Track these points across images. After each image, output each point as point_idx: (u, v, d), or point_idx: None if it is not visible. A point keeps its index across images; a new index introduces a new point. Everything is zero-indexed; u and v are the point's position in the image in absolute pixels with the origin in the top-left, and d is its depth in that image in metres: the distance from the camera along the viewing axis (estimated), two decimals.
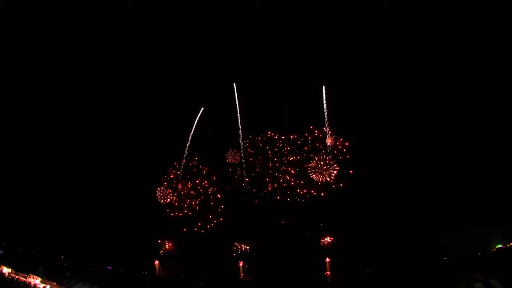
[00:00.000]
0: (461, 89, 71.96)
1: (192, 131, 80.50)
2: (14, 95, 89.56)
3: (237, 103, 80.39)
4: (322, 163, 73.40)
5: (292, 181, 78.65)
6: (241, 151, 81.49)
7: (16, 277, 71.54)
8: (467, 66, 71.20)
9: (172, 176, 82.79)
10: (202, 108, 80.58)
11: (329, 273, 64.91)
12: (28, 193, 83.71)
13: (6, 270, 72.92)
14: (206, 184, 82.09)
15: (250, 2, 79.99)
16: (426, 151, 72.11)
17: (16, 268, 73.04)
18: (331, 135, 78.30)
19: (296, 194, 77.10)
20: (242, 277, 68.54)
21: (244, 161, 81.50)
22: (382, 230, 65.80)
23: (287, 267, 65.81)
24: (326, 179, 73.45)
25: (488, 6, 68.43)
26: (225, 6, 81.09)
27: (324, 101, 76.21)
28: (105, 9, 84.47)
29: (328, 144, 77.89)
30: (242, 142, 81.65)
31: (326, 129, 78.21)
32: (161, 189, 79.38)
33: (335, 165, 73.43)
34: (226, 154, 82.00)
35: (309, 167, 74.64)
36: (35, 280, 69.60)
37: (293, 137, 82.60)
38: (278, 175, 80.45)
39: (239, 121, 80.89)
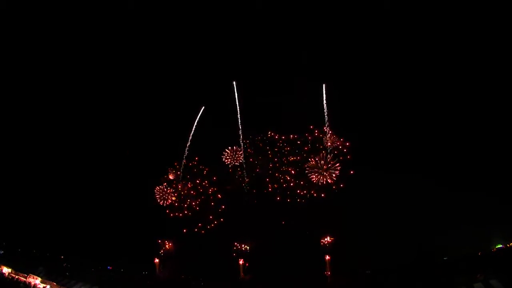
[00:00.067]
0: (461, 89, 72.18)
1: (192, 131, 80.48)
2: (14, 95, 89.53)
3: (237, 103, 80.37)
4: (322, 162, 73.27)
5: (292, 182, 78.59)
6: (241, 151, 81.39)
7: (16, 277, 71.39)
8: (467, 67, 71.44)
9: (171, 176, 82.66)
10: (203, 107, 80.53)
11: (329, 273, 64.95)
12: (28, 193, 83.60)
13: (6, 270, 72.73)
14: (206, 184, 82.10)
15: (250, 2, 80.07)
16: (426, 151, 72.29)
17: (16, 268, 72.81)
18: (331, 135, 78.30)
19: (296, 194, 77.00)
20: (242, 276, 68.53)
21: (244, 161, 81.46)
22: (382, 230, 65.79)
23: (287, 267, 65.72)
24: (327, 180, 73.32)
25: (488, 6, 68.57)
26: (225, 6, 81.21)
27: (324, 101, 76.21)
28: (105, 9, 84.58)
29: (328, 144, 77.90)
30: (242, 142, 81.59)
31: (326, 128, 78.22)
32: (160, 189, 79.13)
33: (337, 165, 73.32)
34: (224, 153, 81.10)
35: (308, 166, 74.47)
36: (35, 280, 69.48)
37: (293, 137, 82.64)
38: (278, 175, 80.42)
39: (239, 121, 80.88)
